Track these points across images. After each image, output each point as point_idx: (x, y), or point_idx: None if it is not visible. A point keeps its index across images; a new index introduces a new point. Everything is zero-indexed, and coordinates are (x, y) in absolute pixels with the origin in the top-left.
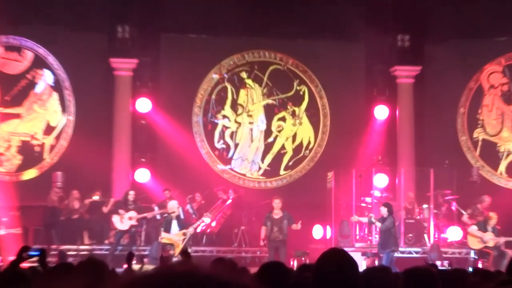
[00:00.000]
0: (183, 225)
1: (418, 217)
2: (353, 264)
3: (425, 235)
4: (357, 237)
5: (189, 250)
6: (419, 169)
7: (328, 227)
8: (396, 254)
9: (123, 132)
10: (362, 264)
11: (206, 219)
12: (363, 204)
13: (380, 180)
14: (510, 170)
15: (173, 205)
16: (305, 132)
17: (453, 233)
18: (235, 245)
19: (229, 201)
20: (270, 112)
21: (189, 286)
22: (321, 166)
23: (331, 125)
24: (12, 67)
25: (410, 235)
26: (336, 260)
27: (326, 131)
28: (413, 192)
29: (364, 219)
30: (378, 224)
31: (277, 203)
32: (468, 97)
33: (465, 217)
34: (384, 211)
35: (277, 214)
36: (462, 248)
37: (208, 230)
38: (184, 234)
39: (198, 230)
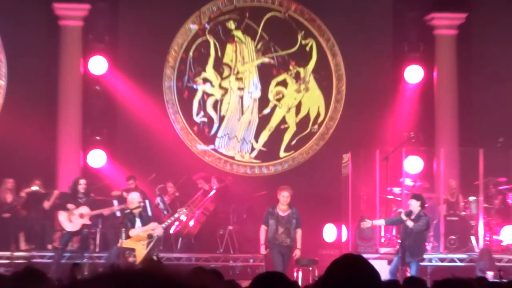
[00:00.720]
0: (149, 224)
1: (463, 213)
2: (374, 275)
3: (473, 237)
4: (383, 239)
5: (157, 256)
6: (464, 150)
7: (343, 227)
8: (425, 263)
9: (71, 101)
10: (388, 276)
11: (182, 217)
12: (389, 197)
13: (413, 164)
14: None
15: (133, 198)
16: (313, 101)
17: (510, 234)
18: (220, 250)
19: (212, 192)
20: (266, 74)
21: None
22: (334, 146)
23: (348, 92)
24: None
25: (453, 237)
26: (351, 269)
27: (340, 100)
28: (457, 181)
29: (380, 222)
30: (410, 224)
31: (285, 196)
32: None
33: None
34: (415, 205)
35: (283, 210)
36: None
37: (185, 232)
38: (150, 236)
39: (171, 231)
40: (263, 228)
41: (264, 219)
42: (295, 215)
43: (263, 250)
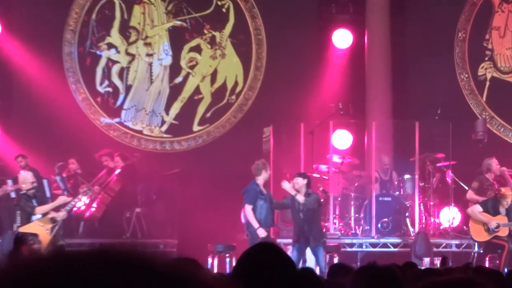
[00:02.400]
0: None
1: (397, 193)
2: (287, 266)
3: (408, 220)
4: None
5: (62, 242)
6: (398, 123)
7: None
8: (354, 249)
9: None
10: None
11: (84, 198)
12: (315, 175)
13: (341, 139)
14: None
15: (25, 178)
16: (230, 68)
17: (449, 217)
18: (127, 235)
19: (118, 171)
20: (178, 39)
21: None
22: (254, 118)
23: (269, 59)
24: None
25: (386, 219)
26: (263, 261)
27: (261, 67)
28: (390, 157)
29: (288, 187)
30: (300, 199)
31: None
32: (471, 16)
33: (469, 194)
34: (301, 183)
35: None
36: (462, 239)
37: (87, 214)
38: (53, 220)
39: (71, 213)
40: (250, 208)
41: (251, 197)
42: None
43: (263, 232)
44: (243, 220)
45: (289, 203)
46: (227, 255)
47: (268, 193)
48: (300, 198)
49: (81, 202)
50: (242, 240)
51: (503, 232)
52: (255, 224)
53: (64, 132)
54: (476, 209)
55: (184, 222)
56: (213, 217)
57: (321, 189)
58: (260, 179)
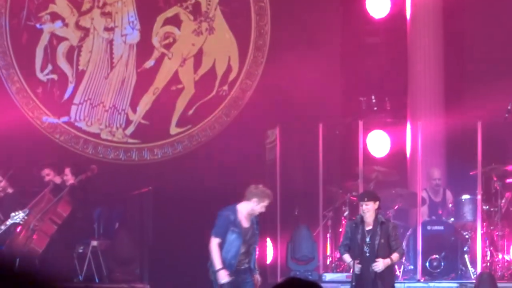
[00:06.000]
0: None
1: (452, 219)
2: None
3: (466, 256)
4: (328, 260)
5: None
6: (453, 123)
7: (268, 241)
8: None
9: None
10: None
11: (18, 221)
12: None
13: (376, 143)
14: None
15: None
16: (221, 48)
17: None
18: (80, 278)
19: (66, 191)
20: (148, 7)
21: None
22: (254, 117)
23: (274, 35)
24: None
25: (436, 256)
26: None
27: (263, 47)
28: (442, 170)
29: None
30: (395, 257)
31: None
32: None
33: None
34: (372, 208)
35: (247, 219)
36: None
37: (24, 248)
38: None
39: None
40: (216, 242)
41: (220, 228)
42: (256, 226)
43: (224, 277)
44: None
45: (348, 234)
46: None
47: (252, 228)
48: (396, 256)
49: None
50: None
51: None
52: (217, 264)
53: None
54: None
55: (157, 259)
56: (196, 251)
57: (346, 213)
58: (245, 207)
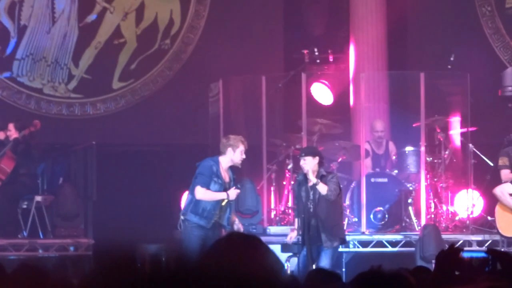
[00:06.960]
0: None
1: (396, 171)
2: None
3: (410, 208)
4: (273, 214)
5: None
6: (396, 75)
7: None
8: (344, 249)
9: None
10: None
11: None
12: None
13: (317, 96)
14: None
15: None
16: (163, 1)
17: (467, 204)
18: (24, 234)
19: (9, 146)
20: None
21: None
22: (197, 71)
23: None
24: None
25: (380, 208)
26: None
27: (205, 0)
28: (385, 122)
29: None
30: (323, 189)
31: (242, 150)
32: None
33: (505, 174)
34: (311, 163)
35: (226, 171)
36: (485, 233)
37: None
38: None
39: None
40: (204, 190)
41: (205, 177)
42: (232, 182)
43: (234, 192)
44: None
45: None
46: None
47: (230, 184)
48: (323, 188)
49: None
50: None
51: None
52: (221, 195)
53: None
54: (507, 190)
55: (102, 214)
56: (142, 206)
57: (290, 166)
58: (223, 160)
